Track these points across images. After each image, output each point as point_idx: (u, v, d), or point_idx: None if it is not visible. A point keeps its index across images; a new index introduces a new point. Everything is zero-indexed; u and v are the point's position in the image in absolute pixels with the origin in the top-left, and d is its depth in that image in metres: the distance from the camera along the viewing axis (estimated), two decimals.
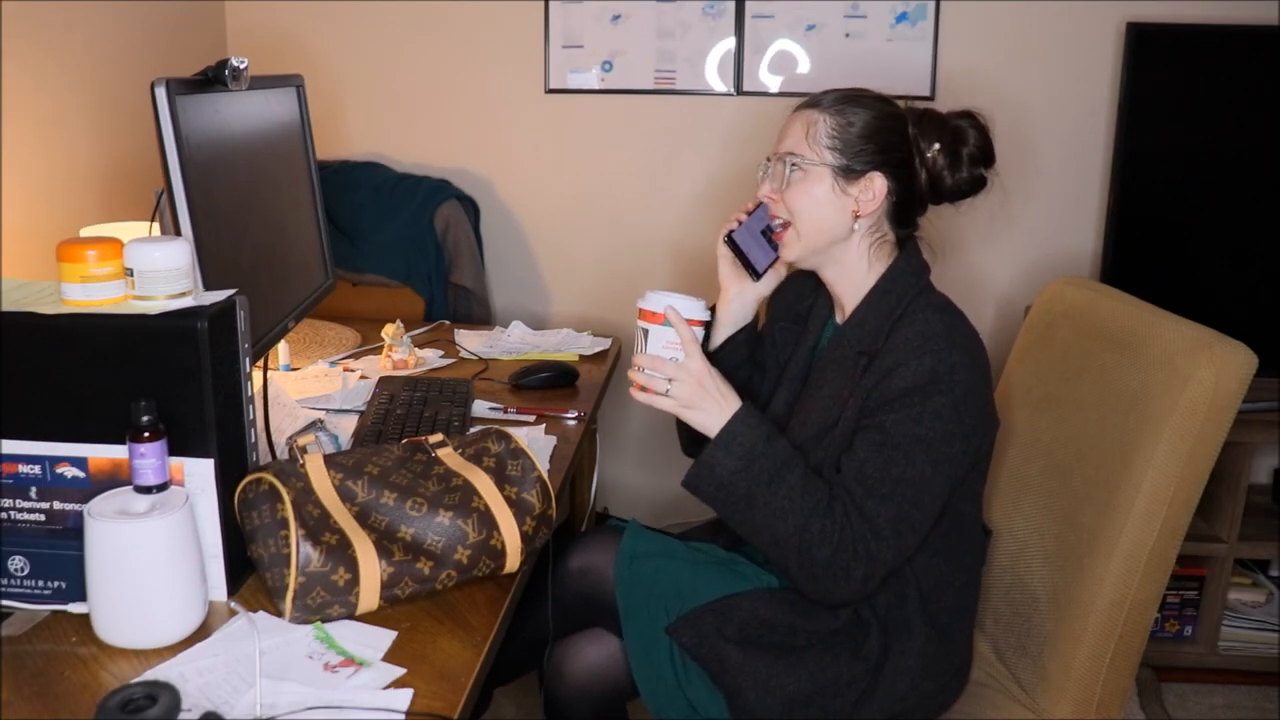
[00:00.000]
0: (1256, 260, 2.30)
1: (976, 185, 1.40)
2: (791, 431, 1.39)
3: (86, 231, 1.77)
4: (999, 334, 2.54)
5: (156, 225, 1.38)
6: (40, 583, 1.10)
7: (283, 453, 1.46)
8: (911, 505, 1.26)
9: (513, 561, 1.18)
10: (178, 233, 1.21)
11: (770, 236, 1.45)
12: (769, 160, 1.42)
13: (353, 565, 1.08)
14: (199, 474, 1.09)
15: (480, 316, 2.48)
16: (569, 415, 1.73)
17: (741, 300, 1.52)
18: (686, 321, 1.32)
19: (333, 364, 1.97)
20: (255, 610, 1.11)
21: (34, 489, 1.09)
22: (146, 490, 1.05)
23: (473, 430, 1.44)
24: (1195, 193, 2.30)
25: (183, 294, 1.10)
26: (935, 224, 1.47)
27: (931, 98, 2.43)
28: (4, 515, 1.09)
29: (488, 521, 1.16)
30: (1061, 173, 2.48)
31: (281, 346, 1.92)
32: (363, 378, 1.89)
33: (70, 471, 1.08)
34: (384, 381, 1.79)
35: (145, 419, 1.04)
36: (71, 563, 1.07)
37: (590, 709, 1.42)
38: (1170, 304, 1.48)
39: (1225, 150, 2.28)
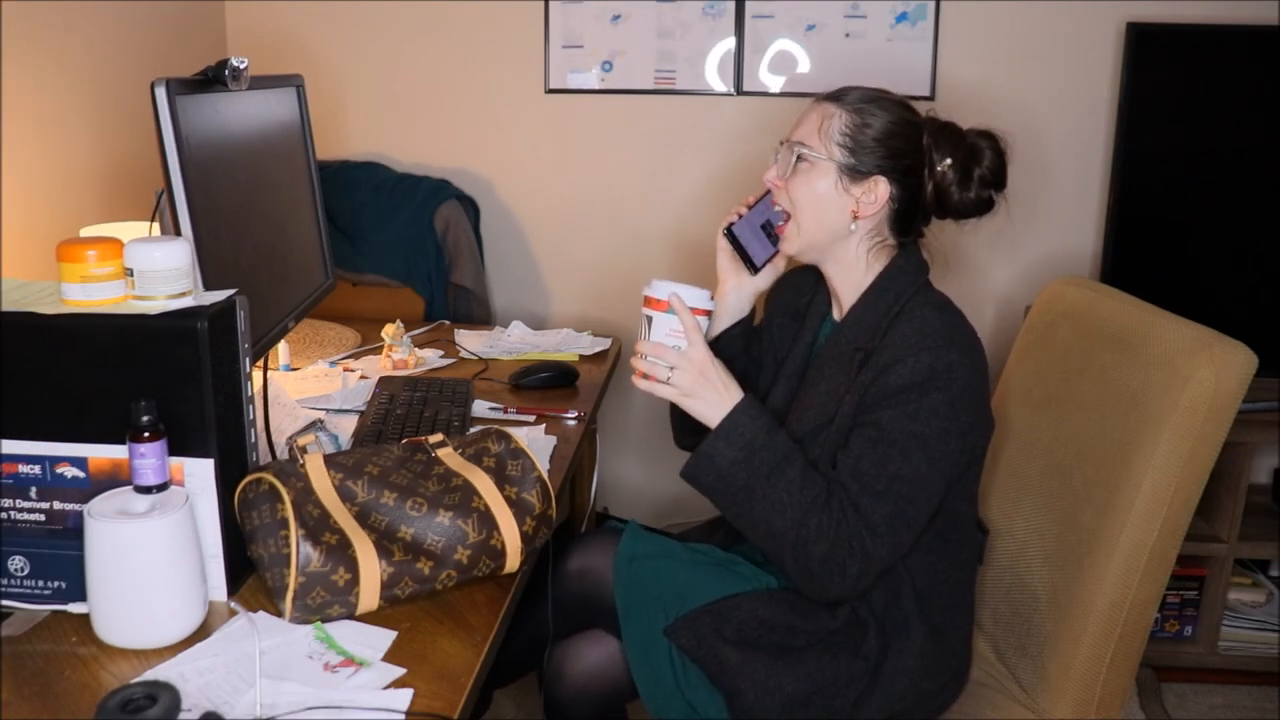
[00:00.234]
0: (1256, 260, 2.30)
1: (983, 207, 1.38)
2: (788, 427, 1.38)
3: (86, 231, 1.77)
4: (999, 334, 2.53)
5: (156, 225, 1.38)
6: (40, 583, 1.10)
7: (283, 453, 1.46)
8: (907, 502, 1.26)
9: (513, 562, 1.18)
10: (178, 233, 1.21)
11: (770, 231, 1.45)
12: (781, 144, 1.41)
13: (353, 565, 1.08)
14: (199, 474, 1.09)
15: (480, 316, 2.47)
16: (569, 415, 1.73)
17: (739, 294, 1.52)
18: (690, 310, 1.32)
19: (333, 364, 1.97)
20: (255, 610, 1.11)
21: (34, 489, 1.09)
22: (146, 490, 1.05)
23: (473, 430, 1.44)
24: (1195, 193, 2.30)
25: (183, 294, 1.10)
26: (939, 237, 1.45)
27: (931, 98, 2.43)
28: (4, 515, 1.09)
29: (488, 521, 1.16)
30: (1061, 173, 2.48)
31: (281, 346, 1.92)
32: (363, 378, 1.89)
33: (70, 471, 1.08)
34: (384, 381, 1.79)
35: (145, 419, 1.04)
36: (71, 563, 1.07)
37: (590, 710, 1.42)
38: (1170, 304, 1.48)
39: (1225, 150, 2.28)
